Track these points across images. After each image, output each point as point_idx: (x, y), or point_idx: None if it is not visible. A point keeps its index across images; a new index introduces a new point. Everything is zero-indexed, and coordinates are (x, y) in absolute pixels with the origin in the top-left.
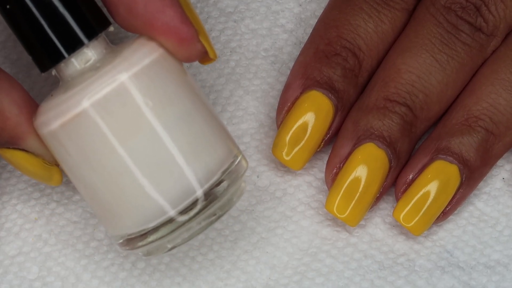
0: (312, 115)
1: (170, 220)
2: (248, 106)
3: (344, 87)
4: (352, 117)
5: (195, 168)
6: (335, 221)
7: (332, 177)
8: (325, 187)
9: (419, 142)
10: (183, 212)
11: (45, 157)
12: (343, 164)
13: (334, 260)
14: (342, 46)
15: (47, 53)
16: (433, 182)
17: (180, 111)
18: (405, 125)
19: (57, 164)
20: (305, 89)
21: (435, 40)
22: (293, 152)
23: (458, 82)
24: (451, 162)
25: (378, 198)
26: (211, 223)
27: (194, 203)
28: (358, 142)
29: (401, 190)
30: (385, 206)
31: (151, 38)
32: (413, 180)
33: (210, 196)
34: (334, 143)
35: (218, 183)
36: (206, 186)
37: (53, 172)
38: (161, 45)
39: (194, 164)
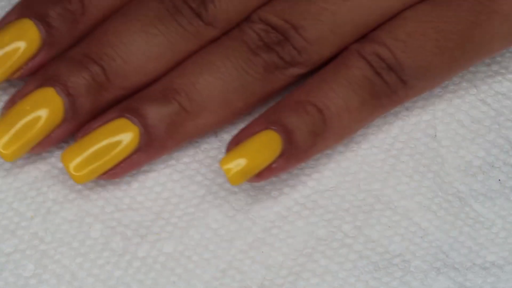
0: (21, 42)
1: None
2: None
3: (58, 25)
4: (50, 61)
5: None
6: (331, 222)
7: (3, 111)
8: (321, 187)
9: None
10: None
11: None
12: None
13: (329, 260)
14: None
15: None
16: (110, 137)
17: None
18: (94, 85)
19: None
20: (19, 16)
21: (151, 14)
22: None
23: (163, 59)
24: (134, 123)
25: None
26: None
27: None
28: (41, 84)
29: (79, 135)
30: (381, 207)
31: None
32: (93, 129)
33: None
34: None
35: None
36: None
37: None
38: None
39: None
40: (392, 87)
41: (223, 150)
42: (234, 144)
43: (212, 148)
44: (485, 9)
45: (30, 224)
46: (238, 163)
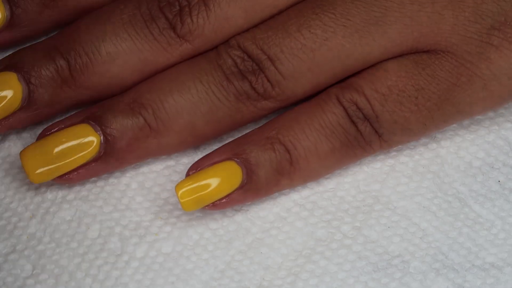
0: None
1: None
2: None
3: (25, 7)
4: (21, 48)
5: None
6: (330, 223)
7: None
8: (320, 188)
9: None
10: None
11: None
12: None
13: (328, 261)
14: None
15: None
16: (71, 141)
17: None
18: (57, 78)
19: None
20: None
21: (126, 18)
22: None
23: (129, 65)
24: (97, 130)
25: None
26: None
27: None
28: (5, 68)
29: (41, 135)
30: (381, 208)
31: None
32: (55, 130)
33: None
34: None
35: None
36: None
37: None
38: None
39: None
40: (366, 138)
41: None
42: (194, 169)
43: (211, 149)
44: (466, 72)
45: (28, 224)
46: (193, 190)
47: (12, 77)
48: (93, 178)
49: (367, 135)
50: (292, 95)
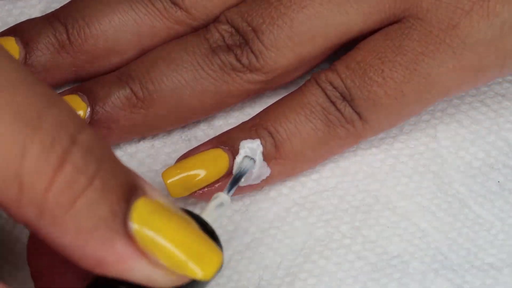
0: None
1: None
2: (245, 107)
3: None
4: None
5: None
6: (329, 222)
7: None
8: (320, 187)
9: None
10: None
11: None
12: None
13: (327, 261)
14: None
15: None
16: None
17: None
18: (55, 43)
19: None
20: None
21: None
22: None
23: (122, 27)
24: (84, 100)
25: None
26: None
27: None
28: (6, 34)
29: None
30: (380, 208)
31: None
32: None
33: None
34: None
35: None
36: None
37: None
38: None
39: None
40: (347, 117)
41: None
42: (181, 158)
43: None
44: (435, 40)
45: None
46: (179, 174)
47: (10, 40)
48: None
49: (347, 115)
50: (276, 66)
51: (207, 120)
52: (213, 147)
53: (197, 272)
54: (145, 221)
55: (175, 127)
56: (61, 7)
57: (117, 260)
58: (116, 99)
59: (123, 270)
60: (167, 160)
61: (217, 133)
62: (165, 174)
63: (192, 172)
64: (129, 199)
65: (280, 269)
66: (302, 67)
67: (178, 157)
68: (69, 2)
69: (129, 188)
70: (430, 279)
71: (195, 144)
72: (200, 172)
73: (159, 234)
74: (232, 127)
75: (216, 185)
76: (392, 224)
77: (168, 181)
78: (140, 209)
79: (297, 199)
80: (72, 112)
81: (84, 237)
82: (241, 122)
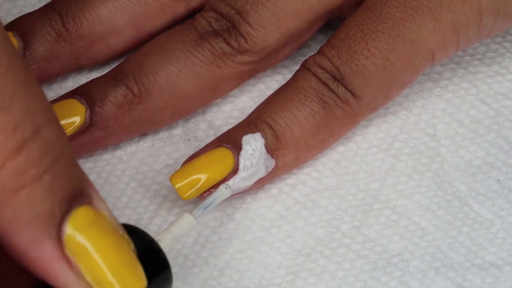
0: None
1: None
2: (245, 107)
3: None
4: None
5: None
6: (329, 222)
7: None
8: (321, 186)
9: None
10: None
11: None
12: None
13: (328, 260)
14: None
15: None
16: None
17: None
18: (51, 32)
19: None
20: None
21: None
22: None
23: (116, 7)
24: (82, 103)
25: None
26: None
27: None
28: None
29: None
30: (380, 207)
31: None
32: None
33: None
34: None
35: None
36: None
37: None
38: None
39: None
40: (342, 97)
41: None
42: (187, 161)
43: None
44: (413, 3)
45: None
46: (187, 177)
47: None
48: (91, 177)
49: (341, 94)
50: (266, 44)
51: (207, 120)
52: (216, 147)
53: None
54: (80, 229)
55: (176, 120)
56: None
57: (41, 259)
58: (113, 98)
59: (45, 272)
60: (168, 160)
61: (217, 133)
62: (173, 178)
63: (199, 175)
64: (72, 203)
65: (281, 268)
66: (291, 43)
67: (178, 156)
68: None
69: (76, 193)
70: (431, 277)
71: (195, 143)
72: (207, 173)
73: (89, 245)
74: (231, 126)
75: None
76: (392, 223)
77: (177, 186)
78: (79, 216)
79: (298, 197)
80: (45, 105)
81: (17, 227)
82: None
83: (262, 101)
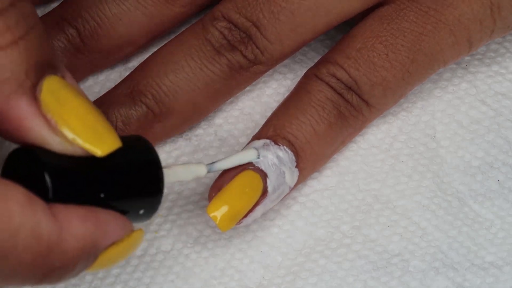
0: None
1: None
2: (244, 107)
3: None
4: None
5: None
6: (329, 222)
7: None
8: (321, 186)
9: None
10: None
11: None
12: None
13: (328, 260)
14: None
15: None
16: None
17: None
18: (70, 47)
19: None
20: None
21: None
22: None
23: (132, 23)
24: None
25: None
26: None
27: None
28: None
29: None
30: (380, 207)
31: None
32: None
33: None
34: None
35: None
36: None
37: None
38: None
39: None
40: (356, 107)
41: (223, 149)
42: (216, 190)
43: (210, 146)
44: (431, 20)
45: None
46: (223, 209)
47: None
48: None
49: (355, 103)
50: (281, 56)
51: (207, 118)
52: (242, 170)
53: (94, 149)
54: (54, 91)
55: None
56: (65, 6)
57: (18, 115)
58: (135, 121)
59: (21, 127)
60: (168, 159)
61: (217, 132)
62: (210, 209)
63: (236, 205)
64: (46, 70)
65: (281, 268)
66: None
67: (178, 155)
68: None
69: (50, 64)
70: (431, 277)
71: (195, 142)
72: (242, 201)
73: (64, 102)
74: (232, 126)
75: (255, 208)
76: (392, 223)
77: (218, 221)
78: (52, 80)
79: (298, 197)
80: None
81: None
82: (253, 135)
83: (262, 101)
